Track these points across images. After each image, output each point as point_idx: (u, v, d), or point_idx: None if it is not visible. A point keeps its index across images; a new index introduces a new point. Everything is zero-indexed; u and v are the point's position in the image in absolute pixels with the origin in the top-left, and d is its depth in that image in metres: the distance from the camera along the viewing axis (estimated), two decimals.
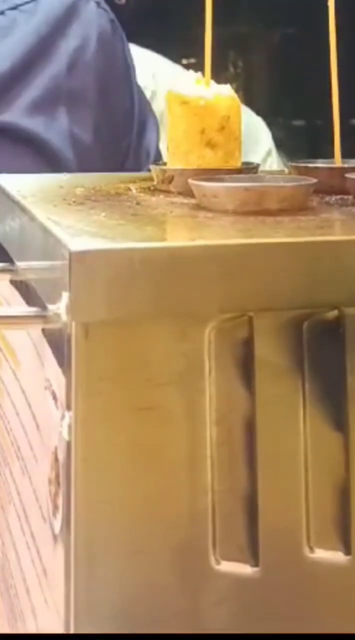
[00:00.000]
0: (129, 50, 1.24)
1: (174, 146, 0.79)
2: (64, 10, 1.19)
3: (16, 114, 1.14)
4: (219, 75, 0.81)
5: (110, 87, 1.20)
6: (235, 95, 0.79)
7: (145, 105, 1.25)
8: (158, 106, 1.30)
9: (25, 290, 0.74)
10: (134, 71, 1.24)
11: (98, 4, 1.21)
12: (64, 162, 1.13)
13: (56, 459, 0.63)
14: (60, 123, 1.15)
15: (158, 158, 1.19)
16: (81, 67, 1.18)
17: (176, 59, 1.86)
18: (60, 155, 1.14)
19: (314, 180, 0.72)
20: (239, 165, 0.79)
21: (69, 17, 1.19)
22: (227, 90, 0.78)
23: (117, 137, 1.21)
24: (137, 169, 1.18)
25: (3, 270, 0.79)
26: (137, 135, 1.22)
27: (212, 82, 0.79)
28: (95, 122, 1.18)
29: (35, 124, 1.14)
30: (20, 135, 1.13)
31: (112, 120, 1.20)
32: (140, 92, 1.25)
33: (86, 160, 1.15)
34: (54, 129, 1.14)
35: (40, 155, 1.13)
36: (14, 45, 1.16)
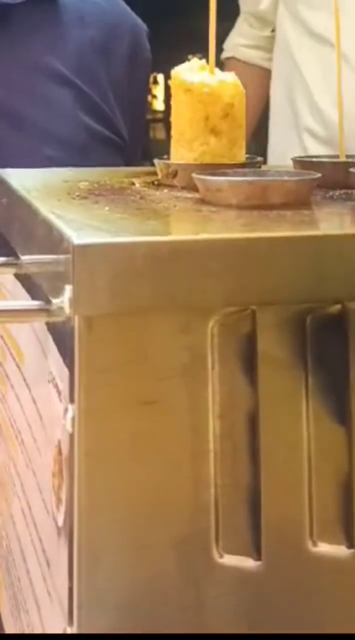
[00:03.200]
0: None
1: (178, 133, 0.79)
2: None
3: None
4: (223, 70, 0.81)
5: None
6: (239, 83, 0.79)
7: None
8: None
9: (29, 283, 0.75)
10: None
11: None
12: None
13: (59, 452, 0.64)
14: None
15: None
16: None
17: (183, 55, 1.86)
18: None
19: (318, 175, 0.72)
20: (242, 152, 0.79)
21: None
22: (231, 78, 0.78)
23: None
24: None
25: (7, 264, 0.79)
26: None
27: (217, 70, 0.79)
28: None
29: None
30: None
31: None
32: None
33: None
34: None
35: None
36: None
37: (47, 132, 1.14)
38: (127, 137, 1.21)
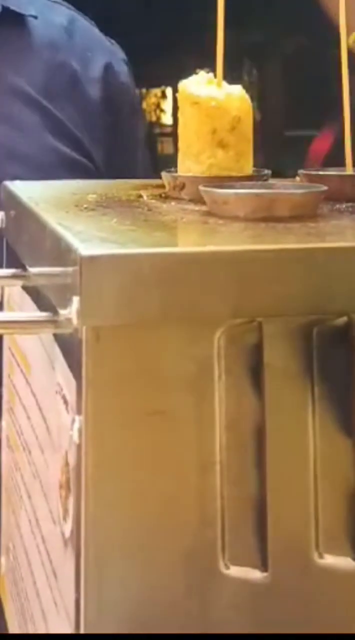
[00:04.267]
0: None
1: (185, 146, 0.79)
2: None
3: None
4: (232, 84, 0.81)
5: None
6: (246, 96, 0.79)
7: None
8: None
9: (36, 295, 0.75)
10: None
11: None
12: None
13: (67, 463, 0.64)
14: None
15: None
16: None
17: (191, 70, 1.86)
18: None
19: (325, 188, 0.72)
20: (250, 165, 0.80)
21: None
22: (238, 91, 0.79)
23: None
24: None
25: (15, 276, 0.79)
26: None
27: (224, 83, 0.79)
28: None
29: None
30: None
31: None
32: None
33: None
34: None
35: None
36: None
37: (13, 151, 1.14)
38: (101, 161, 1.20)
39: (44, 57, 1.19)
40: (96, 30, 1.26)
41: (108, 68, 1.23)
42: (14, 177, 1.00)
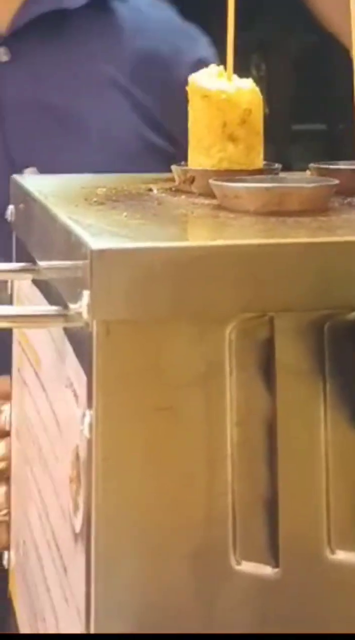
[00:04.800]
0: None
1: (196, 140, 0.79)
2: None
3: None
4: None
5: None
6: (256, 89, 0.79)
7: None
8: None
9: (46, 289, 0.75)
10: None
11: None
12: None
13: (77, 458, 0.64)
14: None
15: None
16: None
17: None
18: None
19: (336, 182, 0.72)
20: (260, 159, 0.79)
21: None
22: (248, 84, 0.78)
23: None
24: None
25: (25, 270, 0.79)
26: None
27: (234, 76, 0.79)
28: None
29: None
30: None
31: None
32: None
33: None
34: None
35: None
36: None
37: (102, 138, 1.14)
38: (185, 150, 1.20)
39: (132, 44, 1.18)
40: (178, 16, 1.25)
41: (195, 53, 1.22)
42: (104, 164, 1.00)
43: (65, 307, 0.64)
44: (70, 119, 1.14)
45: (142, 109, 1.17)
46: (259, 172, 0.78)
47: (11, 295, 0.88)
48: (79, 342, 0.64)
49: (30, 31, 1.12)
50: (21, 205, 0.84)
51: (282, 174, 0.80)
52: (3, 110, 1.12)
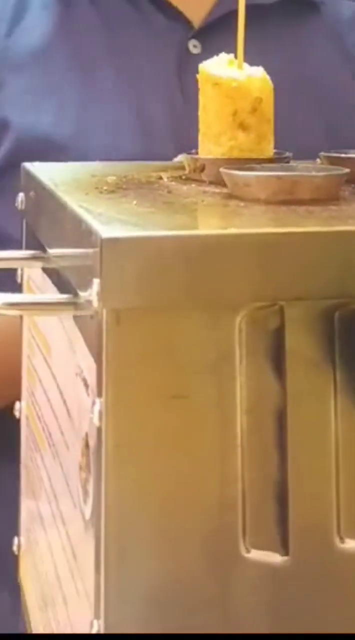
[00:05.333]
0: None
1: (206, 127, 0.79)
2: None
3: None
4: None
5: None
6: (267, 78, 0.78)
7: None
8: None
9: (56, 277, 0.75)
10: None
11: None
12: None
13: (87, 446, 0.64)
14: None
15: None
16: None
17: None
18: None
19: (346, 170, 0.72)
20: (271, 147, 0.79)
21: None
22: (259, 73, 0.78)
23: None
24: None
25: (35, 258, 0.79)
26: None
27: (245, 65, 0.79)
28: None
29: None
30: None
31: None
32: None
33: None
34: None
35: None
36: None
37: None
38: None
39: (331, 47, 1.16)
40: None
41: None
42: None
43: (75, 295, 0.64)
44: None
45: (327, 109, 1.12)
46: (270, 160, 0.78)
47: (20, 283, 0.88)
48: (89, 330, 0.64)
49: (222, 25, 1.10)
50: (31, 193, 0.84)
51: (292, 163, 0.80)
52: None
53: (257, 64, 0.82)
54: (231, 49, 1.10)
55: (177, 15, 1.12)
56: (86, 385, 0.64)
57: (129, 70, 1.10)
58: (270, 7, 1.14)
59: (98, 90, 1.10)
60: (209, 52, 1.11)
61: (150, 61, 1.11)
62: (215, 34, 1.11)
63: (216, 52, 1.10)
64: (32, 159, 0.96)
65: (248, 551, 0.62)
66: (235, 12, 1.11)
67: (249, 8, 1.12)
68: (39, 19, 1.11)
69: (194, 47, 1.13)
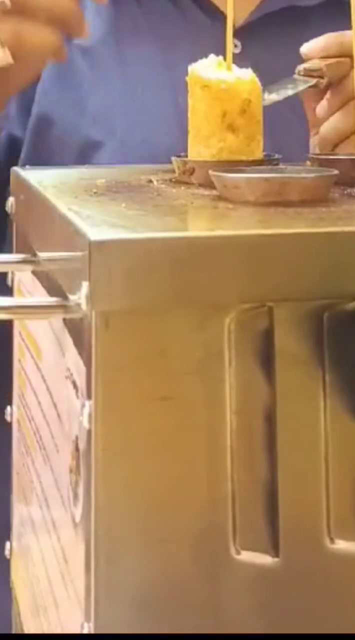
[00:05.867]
0: None
1: (195, 129, 0.79)
2: None
3: None
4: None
5: None
6: (256, 79, 0.79)
7: None
8: None
9: (46, 280, 0.75)
10: None
11: None
12: None
13: (77, 448, 0.64)
14: None
15: None
16: None
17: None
18: None
19: (336, 172, 0.72)
20: (260, 149, 0.79)
21: None
22: (248, 74, 0.78)
23: None
24: None
25: (25, 261, 0.79)
26: None
27: (234, 67, 0.79)
28: None
29: None
30: None
31: None
32: None
33: None
34: None
35: None
36: None
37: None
38: None
39: None
40: None
41: None
42: None
43: (65, 298, 0.64)
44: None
45: None
46: (259, 162, 0.78)
47: (11, 286, 0.88)
48: (79, 332, 0.64)
49: (263, 26, 1.11)
50: (21, 197, 0.84)
51: (282, 164, 0.80)
52: None
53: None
54: (270, 48, 1.10)
55: (218, 14, 1.13)
56: (76, 387, 0.64)
57: (170, 68, 1.11)
58: (312, 9, 1.14)
59: (139, 86, 1.11)
60: (248, 50, 1.12)
61: (191, 60, 1.13)
62: (256, 34, 1.12)
63: (255, 51, 1.11)
64: (72, 155, 0.96)
65: (238, 552, 0.62)
66: (275, 13, 1.11)
67: (289, 9, 1.12)
68: (92, 25, 1.12)
69: (234, 46, 1.13)
